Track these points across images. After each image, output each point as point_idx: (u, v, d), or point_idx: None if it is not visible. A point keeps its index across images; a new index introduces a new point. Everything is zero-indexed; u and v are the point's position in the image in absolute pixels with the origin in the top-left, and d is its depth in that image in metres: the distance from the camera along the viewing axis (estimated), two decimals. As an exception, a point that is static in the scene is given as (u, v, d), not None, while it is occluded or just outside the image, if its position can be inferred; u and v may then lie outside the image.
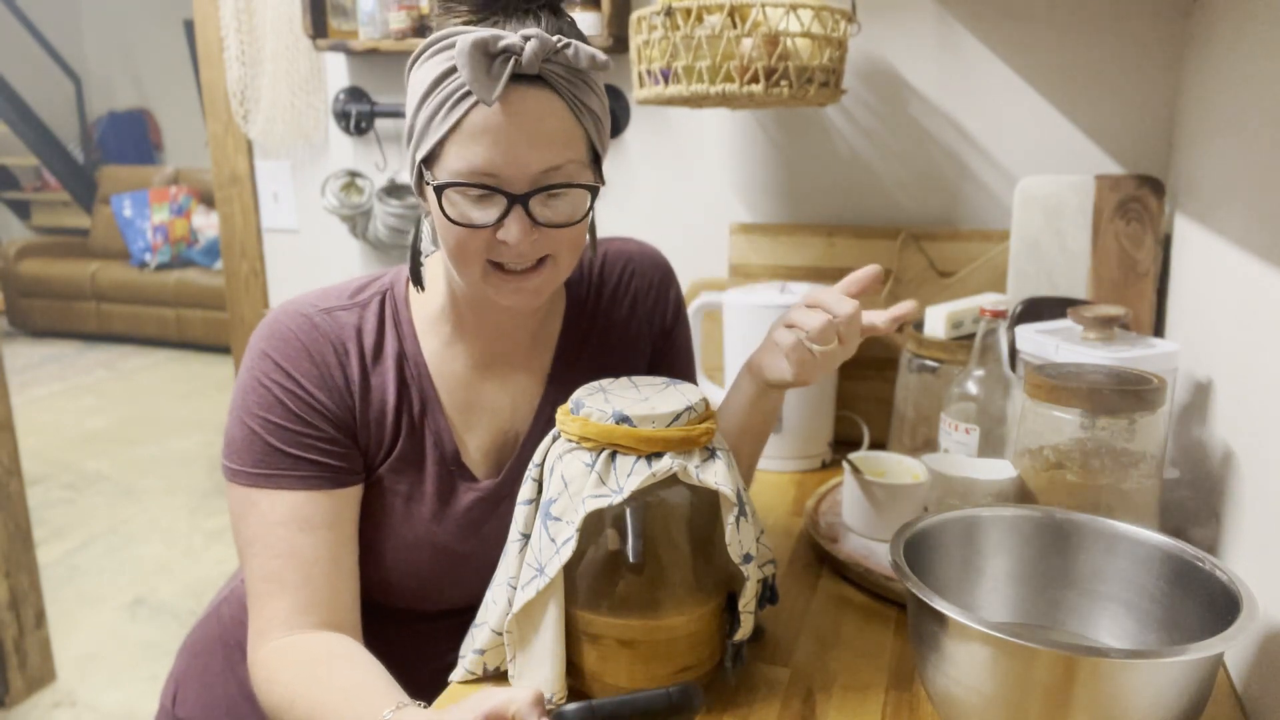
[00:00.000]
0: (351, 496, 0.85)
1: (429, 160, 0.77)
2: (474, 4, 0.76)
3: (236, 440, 0.83)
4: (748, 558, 0.75)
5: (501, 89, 0.72)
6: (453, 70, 0.74)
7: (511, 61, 0.72)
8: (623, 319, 0.99)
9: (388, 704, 0.69)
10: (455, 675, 0.81)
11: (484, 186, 0.75)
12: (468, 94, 0.73)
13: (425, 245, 0.88)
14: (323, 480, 0.83)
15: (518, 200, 0.76)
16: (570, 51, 0.74)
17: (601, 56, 0.76)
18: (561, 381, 0.94)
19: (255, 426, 0.82)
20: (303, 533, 0.81)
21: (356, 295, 0.89)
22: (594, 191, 0.81)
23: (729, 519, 0.74)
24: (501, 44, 0.71)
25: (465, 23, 0.76)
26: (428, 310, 0.90)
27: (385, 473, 0.87)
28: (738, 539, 0.74)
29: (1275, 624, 0.76)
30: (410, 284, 0.91)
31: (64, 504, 3.49)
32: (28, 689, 2.26)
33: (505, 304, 0.82)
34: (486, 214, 0.77)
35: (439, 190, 0.76)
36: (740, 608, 0.77)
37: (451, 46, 0.74)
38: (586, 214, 0.81)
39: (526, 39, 0.72)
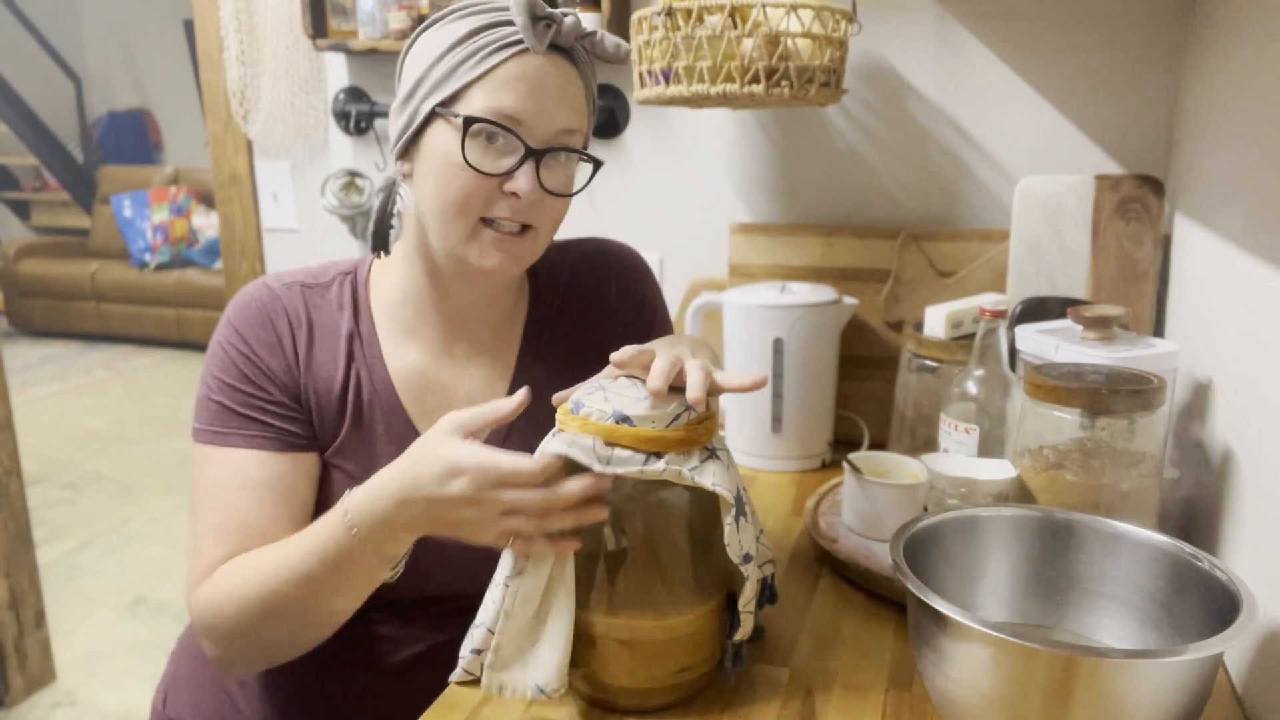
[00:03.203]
0: (301, 464, 0.87)
1: (448, 103, 0.81)
2: None
3: (198, 400, 0.88)
4: (747, 558, 0.75)
5: (545, 46, 0.79)
6: (485, 28, 0.80)
7: (553, 29, 0.80)
8: (595, 317, 1.00)
9: (334, 515, 0.74)
10: (454, 676, 0.81)
11: (509, 130, 0.80)
12: (506, 46, 0.79)
13: (399, 208, 0.91)
14: (269, 441, 0.86)
15: (534, 153, 0.81)
16: (597, 37, 0.84)
17: (625, 45, 0.84)
18: (527, 376, 0.95)
19: (212, 386, 0.86)
20: (244, 490, 0.84)
21: (321, 275, 0.94)
22: (595, 167, 0.88)
23: (728, 519, 0.74)
24: (548, 11, 0.80)
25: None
26: (388, 296, 0.93)
27: (335, 454, 0.89)
28: (737, 539, 0.74)
29: (1275, 624, 0.76)
30: (373, 268, 0.94)
31: (64, 504, 3.49)
32: (28, 689, 2.26)
33: (486, 265, 0.85)
34: (499, 163, 0.81)
35: (467, 123, 0.80)
36: (740, 608, 0.77)
37: (478, 12, 0.81)
38: (583, 188, 0.87)
39: (566, 14, 0.80)
